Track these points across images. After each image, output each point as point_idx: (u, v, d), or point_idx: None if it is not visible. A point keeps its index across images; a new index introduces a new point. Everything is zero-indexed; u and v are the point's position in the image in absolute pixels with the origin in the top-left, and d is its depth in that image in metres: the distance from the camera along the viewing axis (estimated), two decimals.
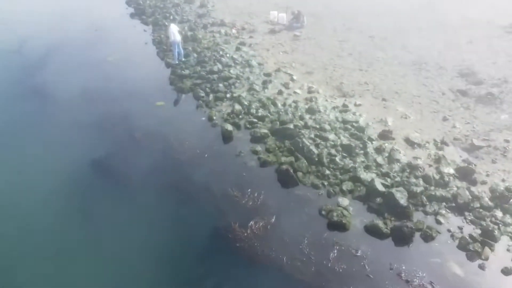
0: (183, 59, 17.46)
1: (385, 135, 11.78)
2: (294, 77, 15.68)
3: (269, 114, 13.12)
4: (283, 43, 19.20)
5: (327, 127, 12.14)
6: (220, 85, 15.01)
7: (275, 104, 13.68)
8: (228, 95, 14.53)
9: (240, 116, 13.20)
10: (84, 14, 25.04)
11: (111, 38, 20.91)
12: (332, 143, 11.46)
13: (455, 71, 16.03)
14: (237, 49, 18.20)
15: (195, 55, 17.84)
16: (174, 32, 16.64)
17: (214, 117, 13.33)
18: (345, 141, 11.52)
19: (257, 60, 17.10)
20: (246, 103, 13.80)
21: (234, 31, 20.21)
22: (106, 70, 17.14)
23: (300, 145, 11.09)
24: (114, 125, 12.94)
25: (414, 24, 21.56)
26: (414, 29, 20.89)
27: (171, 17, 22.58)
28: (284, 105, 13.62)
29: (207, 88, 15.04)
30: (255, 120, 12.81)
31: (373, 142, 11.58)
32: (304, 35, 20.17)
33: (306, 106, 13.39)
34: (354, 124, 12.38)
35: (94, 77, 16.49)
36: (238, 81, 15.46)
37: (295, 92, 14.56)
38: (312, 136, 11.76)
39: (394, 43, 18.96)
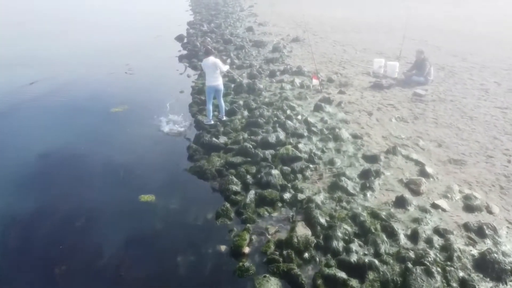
0: (224, 118, 10.72)
1: None
2: (428, 169, 7.77)
3: (379, 269, 5.31)
4: (397, 104, 11.56)
5: None
6: (274, 172, 7.68)
7: (395, 237, 5.89)
8: (286, 195, 7.09)
9: (308, 256, 5.60)
10: (126, 52, 20.24)
11: (139, 82, 15.15)
12: None
13: None
14: (317, 108, 11.01)
15: (246, 113, 11.00)
16: (211, 71, 10.09)
17: (245, 251, 5.87)
18: None
19: (351, 130, 9.64)
20: (323, 221, 6.20)
21: (315, 81, 13.14)
22: (92, 130, 10.94)
23: None
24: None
25: None
26: None
27: (228, 61, 16.38)
28: (415, 241, 5.77)
29: (247, 176, 7.82)
30: (343, 276, 5.10)
31: None
32: (433, 93, 12.42)
33: (472, 255, 5.43)
34: None
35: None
36: (311, 166, 8.00)
37: (435, 207, 6.67)
38: None
39: None
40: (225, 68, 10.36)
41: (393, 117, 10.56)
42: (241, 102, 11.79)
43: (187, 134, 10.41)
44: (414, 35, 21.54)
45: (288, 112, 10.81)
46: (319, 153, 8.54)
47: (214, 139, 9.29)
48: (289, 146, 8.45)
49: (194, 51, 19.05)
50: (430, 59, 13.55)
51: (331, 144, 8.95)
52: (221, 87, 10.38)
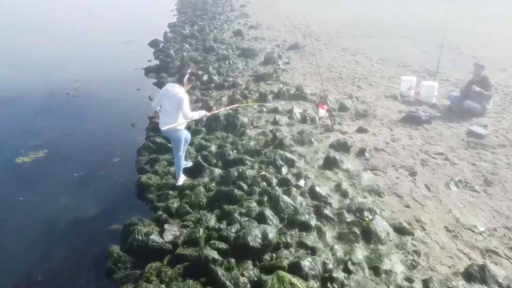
0: (178, 183, 6.79)
1: None
2: None
3: None
4: (449, 153, 7.66)
5: None
6: None
7: None
8: None
9: None
10: (82, 62, 16.24)
11: (79, 109, 11.19)
12: None
13: None
14: (329, 163, 7.12)
15: (218, 171, 7.15)
16: (169, 107, 6.28)
17: None
18: None
19: (390, 213, 5.74)
20: None
21: (322, 112, 9.29)
22: None
23: None
24: None
25: None
26: None
27: (205, 77, 12.54)
28: None
29: None
30: None
31: None
32: (496, 132, 8.55)
33: None
34: None
35: None
36: None
37: None
38: None
39: None
40: (192, 115, 6.43)
41: (451, 180, 6.75)
42: (213, 148, 7.97)
43: (111, 222, 6.56)
44: (439, 40, 17.80)
45: (284, 171, 7.02)
46: (340, 275, 4.72)
47: (152, 237, 5.44)
48: (286, 276, 4.51)
49: (165, 63, 15.12)
50: (490, 77, 9.71)
51: (359, 251, 5.10)
52: (179, 136, 6.58)
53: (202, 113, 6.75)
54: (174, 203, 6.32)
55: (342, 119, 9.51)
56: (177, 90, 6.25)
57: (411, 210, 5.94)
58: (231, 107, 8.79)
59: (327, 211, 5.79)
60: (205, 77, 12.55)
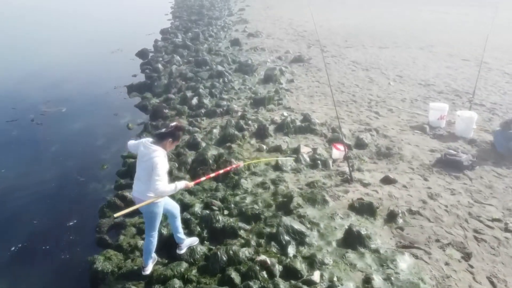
0: (144, 272, 4.87)
1: None
2: None
3: None
4: (507, 218, 5.74)
5: None
6: None
7: None
8: None
9: None
10: (58, 78, 14.31)
11: (39, 142, 9.28)
12: None
13: None
14: (350, 240, 5.18)
15: (201, 250, 5.20)
16: (140, 169, 4.47)
17: None
18: None
19: None
20: None
21: (336, 154, 7.47)
22: None
23: None
24: None
25: None
26: None
27: (194, 101, 10.72)
28: None
29: None
30: None
31: None
32: None
33: None
34: None
35: None
36: None
37: None
38: None
39: None
40: (163, 189, 4.24)
41: None
42: (197, 209, 6.10)
43: None
44: (462, 53, 15.90)
45: (291, 252, 5.18)
46: None
47: None
48: None
49: (150, 79, 13.29)
50: None
51: None
52: (152, 211, 4.62)
53: (181, 185, 4.53)
54: None
55: (361, 161, 7.66)
56: (152, 154, 4.32)
57: None
58: (224, 170, 5.96)
59: None
60: (195, 101, 10.72)
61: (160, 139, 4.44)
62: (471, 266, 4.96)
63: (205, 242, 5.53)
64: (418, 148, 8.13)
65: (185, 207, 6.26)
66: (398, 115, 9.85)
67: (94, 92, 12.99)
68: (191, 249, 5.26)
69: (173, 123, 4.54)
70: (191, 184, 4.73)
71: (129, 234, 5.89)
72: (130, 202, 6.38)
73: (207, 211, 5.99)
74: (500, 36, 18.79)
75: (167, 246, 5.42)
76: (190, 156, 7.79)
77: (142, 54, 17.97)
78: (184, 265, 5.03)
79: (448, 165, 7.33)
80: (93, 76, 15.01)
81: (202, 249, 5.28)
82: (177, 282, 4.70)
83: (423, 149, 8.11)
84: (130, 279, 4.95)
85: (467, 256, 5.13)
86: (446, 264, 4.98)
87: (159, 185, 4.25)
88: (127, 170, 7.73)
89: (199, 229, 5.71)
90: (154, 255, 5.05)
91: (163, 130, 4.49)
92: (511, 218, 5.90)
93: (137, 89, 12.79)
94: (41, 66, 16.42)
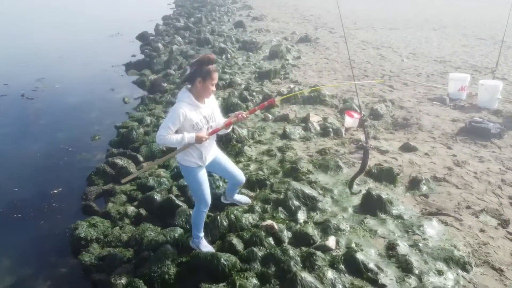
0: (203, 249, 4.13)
1: None
2: None
3: None
4: None
5: None
6: None
7: None
8: None
9: None
10: (55, 57, 13.73)
11: (28, 117, 8.63)
12: None
13: None
14: (369, 205, 4.52)
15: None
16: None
17: None
18: None
19: None
20: None
21: (349, 121, 6.79)
22: None
23: None
24: None
25: None
26: None
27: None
28: None
29: None
30: None
31: None
32: None
33: None
34: None
35: None
36: None
37: None
38: None
39: None
40: (165, 139, 3.47)
41: None
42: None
43: None
44: (478, 32, 15.21)
45: (302, 217, 4.54)
46: None
47: None
48: None
49: (149, 57, 12.65)
50: None
51: None
52: (184, 174, 3.93)
53: (190, 137, 3.51)
54: (122, 278, 3.91)
55: (377, 131, 7.05)
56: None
57: None
58: (259, 107, 4.13)
59: None
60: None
61: (190, 82, 3.56)
62: (510, 233, 4.33)
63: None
64: (438, 118, 7.47)
65: (180, 175, 5.66)
66: (413, 89, 9.19)
67: (90, 71, 12.38)
68: (187, 215, 4.67)
69: (198, 57, 3.55)
70: (205, 135, 3.61)
71: (118, 202, 5.28)
72: (120, 169, 5.84)
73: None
74: None
75: (160, 213, 4.84)
76: None
77: (142, 37, 17.34)
78: (179, 230, 4.41)
79: (474, 133, 6.65)
80: (90, 56, 14.40)
81: None
82: (169, 248, 4.10)
83: (444, 119, 7.45)
84: (116, 246, 4.38)
85: (504, 223, 4.47)
86: (482, 231, 4.33)
87: (158, 131, 3.52)
88: (121, 140, 7.18)
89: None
90: (204, 239, 4.16)
91: (188, 70, 3.60)
92: None
93: (135, 66, 12.17)
94: (38, 48, 15.84)
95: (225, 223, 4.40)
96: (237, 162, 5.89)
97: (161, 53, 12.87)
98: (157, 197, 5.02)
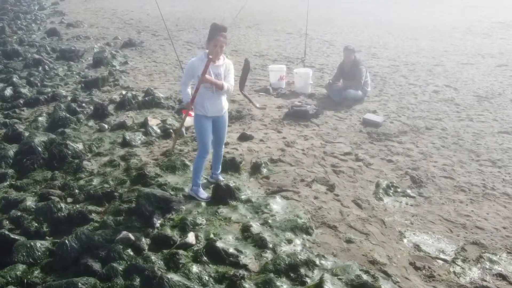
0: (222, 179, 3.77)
1: None
2: None
3: None
4: (358, 151, 6.18)
5: None
6: None
7: None
8: None
9: None
10: None
11: None
12: None
13: None
14: (221, 193, 4.78)
15: (42, 246, 4.05)
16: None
17: None
18: None
19: (342, 271, 3.70)
20: None
21: (190, 121, 6.99)
22: None
23: None
24: None
25: None
26: None
27: (7, 92, 8.85)
28: None
29: None
30: None
31: None
32: (389, 117, 7.58)
33: None
34: None
35: None
36: None
37: None
38: None
39: None
40: (181, 87, 4.88)
41: (379, 188, 5.27)
42: (30, 203, 4.81)
43: None
44: (286, 28, 17.06)
45: (158, 222, 4.44)
46: None
47: None
48: None
49: None
50: (364, 62, 8.83)
51: None
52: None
53: (186, 97, 4.74)
54: None
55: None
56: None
57: (357, 247, 4.16)
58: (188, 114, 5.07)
59: (247, 284, 3.61)
60: (9, 91, 8.85)
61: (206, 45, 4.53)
62: (337, 195, 5.12)
63: (47, 237, 4.46)
64: (269, 110, 8.27)
65: (12, 205, 4.95)
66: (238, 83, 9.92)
67: None
68: (28, 247, 4.14)
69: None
70: (189, 108, 4.76)
71: None
72: None
73: (44, 203, 4.87)
74: (315, 11, 20.97)
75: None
76: (12, 149, 6.32)
77: None
78: (21, 267, 3.89)
79: (296, 115, 7.60)
80: None
81: (43, 244, 4.20)
82: None
83: (271, 107, 8.28)
84: None
85: (331, 188, 5.29)
86: (315, 198, 5.04)
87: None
88: None
89: (36, 224, 4.53)
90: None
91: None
92: (358, 150, 6.38)
93: None
94: None
95: (76, 246, 4.07)
96: (77, 180, 5.46)
97: None
98: None
